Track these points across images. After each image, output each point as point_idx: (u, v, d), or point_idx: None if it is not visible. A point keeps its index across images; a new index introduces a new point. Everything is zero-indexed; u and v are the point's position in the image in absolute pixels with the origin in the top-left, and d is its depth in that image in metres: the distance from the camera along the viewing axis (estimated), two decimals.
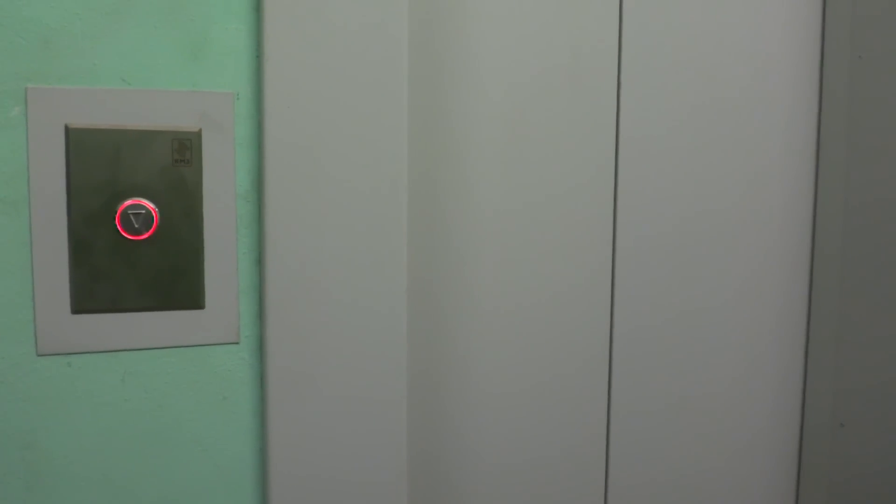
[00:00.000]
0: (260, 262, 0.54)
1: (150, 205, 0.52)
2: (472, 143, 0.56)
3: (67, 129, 0.50)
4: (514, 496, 0.59)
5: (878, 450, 0.61)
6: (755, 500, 0.66)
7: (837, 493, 0.64)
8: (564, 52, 0.57)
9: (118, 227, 0.51)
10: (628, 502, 0.63)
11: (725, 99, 0.61)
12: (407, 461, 0.57)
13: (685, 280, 0.62)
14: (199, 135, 0.52)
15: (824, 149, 0.64)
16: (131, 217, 0.51)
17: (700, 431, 0.64)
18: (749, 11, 0.61)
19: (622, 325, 0.61)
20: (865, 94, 0.60)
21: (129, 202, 0.51)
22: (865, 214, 0.61)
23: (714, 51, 0.61)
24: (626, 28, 0.59)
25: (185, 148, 0.52)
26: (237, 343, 0.54)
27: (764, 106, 0.62)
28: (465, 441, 0.58)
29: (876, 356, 0.61)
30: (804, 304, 0.65)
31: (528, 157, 0.57)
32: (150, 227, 0.52)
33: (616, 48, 0.59)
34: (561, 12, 0.57)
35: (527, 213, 0.57)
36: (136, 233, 0.51)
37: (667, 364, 0.62)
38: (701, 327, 0.63)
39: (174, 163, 0.52)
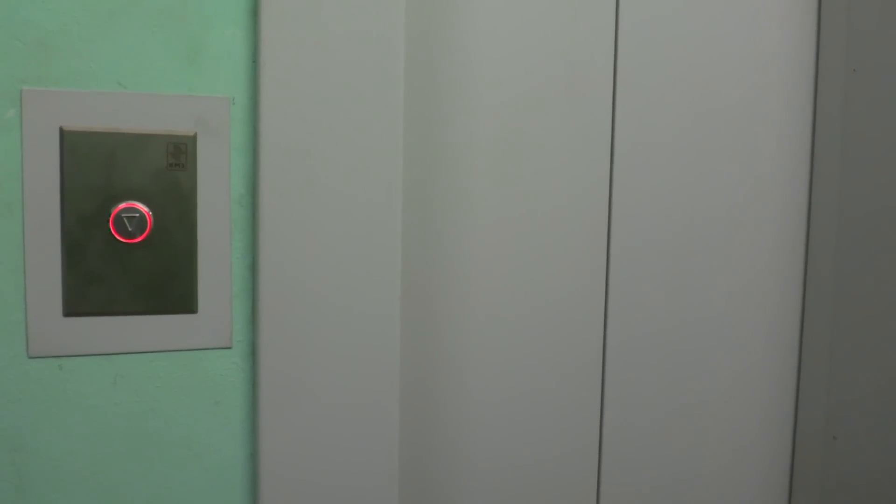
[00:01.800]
0: (253, 266, 0.54)
1: (144, 208, 0.52)
2: (468, 151, 0.56)
3: (62, 132, 0.50)
4: (505, 503, 0.59)
5: (870, 463, 0.61)
6: None
7: None
8: (560, 62, 0.57)
9: (112, 230, 0.51)
10: None
11: (720, 111, 0.61)
12: (398, 467, 0.57)
13: (678, 289, 0.62)
14: (194, 139, 0.52)
15: (818, 161, 0.64)
16: (125, 220, 0.51)
17: (692, 441, 0.64)
18: (745, 24, 0.61)
19: (615, 332, 0.61)
20: (859, 107, 0.60)
21: (123, 205, 0.51)
22: (859, 228, 0.61)
23: (709, 64, 0.61)
24: (621, 41, 0.59)
25: (181, 152, 0.52)
26: (230, 348, 0.54)
27: (759, 118, 0.62)
28: (457, 447, 0.58)
29: (869, 368, 0.61)
30: (797, 316, 0.65)
31: (522, 166, 0.57)
32: (144, 231, 0.52)
33: (612, 61, 0.59)
34: (558, 22, 0.57)
35: (521, 221, 0.57)
36: (130, 236, 0.51)
37: (659, 372, 0.62)
38: (693, 337, 0.63)
39: (169, 166, 0.52)
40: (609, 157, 0.59)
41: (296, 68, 0.52)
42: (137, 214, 0.51)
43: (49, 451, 0.52)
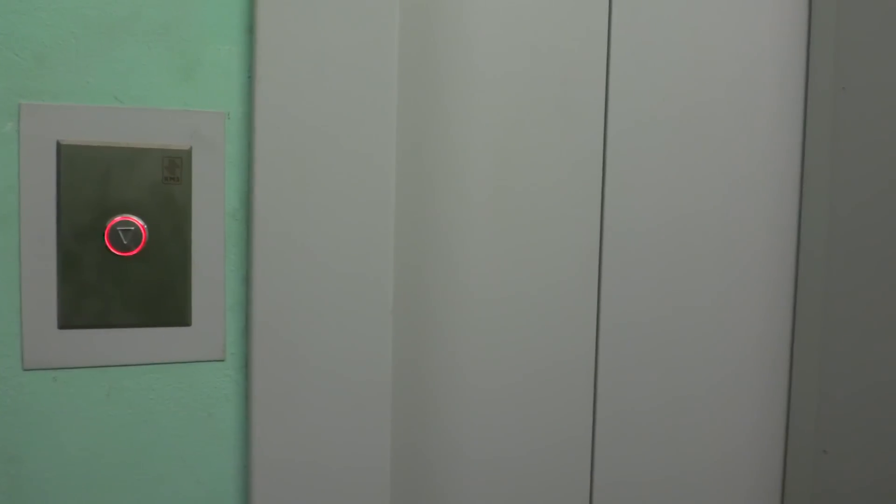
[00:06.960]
0: (247, 280, 0.54)
1: (139, 221, 0.52)
2: (462, 161, 0.57)
3: (59, 146, 0.50)
4: (498, 493, 0.60)
5: (861, 477, 0.61)
6: None
7: None
8: (555, 67, 0.58)
9: (107, 243, 0.52)
10: (613, 498, 0.63)
11: (712, 137, 0.63)
12: (391, 477, 0.57)
13: (670, 285, 0.63)
14: (189, 153, 0.53)
15: (808, 188, 0.64)
16: (120, 233, 0.52)
17: (683, 436, 0.65)
18: (736, 45, 0.62)
19: (608, 324, 0.62)
20: (848, 125, 0.61)
21: (118, 218, 0.52)
22: (848, 240, 0.61)
23: (700, 83, 0.62)
24: (613, 50, 0.60)
25: (176, 166, 0.52)
26: (223, 360, 0.55)
27: (750, 125, 0.63)
28: (450, 449, 0.58)
29: (860, 382, 0.61)
30: (788, 329, 0.66)
31: (516, 164, 0.58)
32: (139, 244, 0.52)
33: (604, 70, 0.60)
34: (553, 23, 0.58)
35: (515, 215, 0.59)
36: (125, 249, 0.52)
37: (651, 364, 0.63)
38: (685, 334, 0.64)
39: (164, 180, 0.52)
40: (601, 168, 0.60)
41: (290, 84, 0.52)
42: (132, 228, 0.52)
43: (43, 462, 0.52)
